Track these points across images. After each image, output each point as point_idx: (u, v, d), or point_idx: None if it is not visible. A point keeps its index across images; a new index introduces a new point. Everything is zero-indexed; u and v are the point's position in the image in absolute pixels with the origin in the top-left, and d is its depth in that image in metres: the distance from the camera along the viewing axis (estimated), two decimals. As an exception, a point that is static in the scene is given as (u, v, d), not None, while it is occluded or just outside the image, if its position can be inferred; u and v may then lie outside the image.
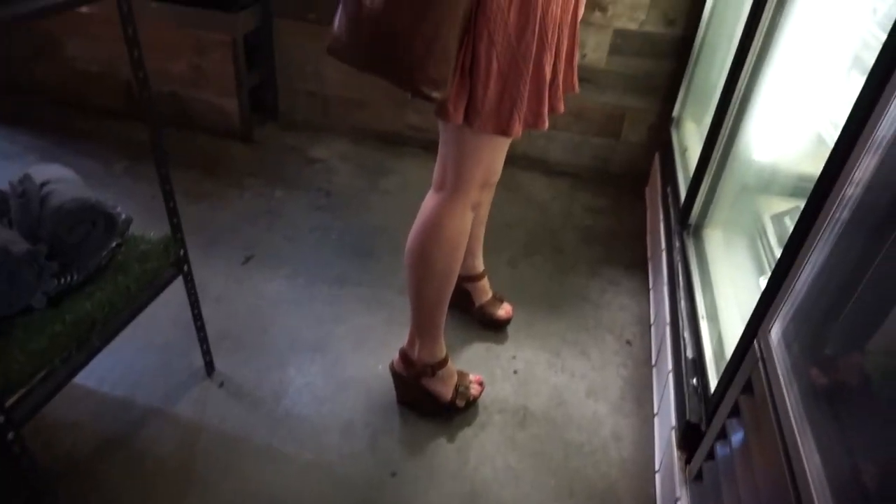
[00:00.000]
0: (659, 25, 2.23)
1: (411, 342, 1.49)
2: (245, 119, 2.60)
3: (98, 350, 1.17)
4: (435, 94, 1.07)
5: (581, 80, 2.15)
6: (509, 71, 1.12)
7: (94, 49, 2.60)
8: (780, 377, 0.93)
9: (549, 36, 1.15)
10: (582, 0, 1.31)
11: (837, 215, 0.92)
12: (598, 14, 2.24)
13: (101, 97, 2.71)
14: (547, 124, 1.22)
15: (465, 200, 1.29)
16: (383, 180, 2.44)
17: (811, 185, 0.96)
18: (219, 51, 2.45)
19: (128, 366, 1.57)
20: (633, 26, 2.25)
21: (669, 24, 2.23)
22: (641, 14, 2.22)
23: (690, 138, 2.12)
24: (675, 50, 2.26)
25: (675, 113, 2.33)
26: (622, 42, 2.28)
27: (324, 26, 2.49)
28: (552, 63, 1.20)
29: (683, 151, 2.06)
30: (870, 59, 1.27)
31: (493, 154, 1.26)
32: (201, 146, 2.57)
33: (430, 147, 2.65)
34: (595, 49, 2.31)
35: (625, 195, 2.47)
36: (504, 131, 1.16)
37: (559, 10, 1.18)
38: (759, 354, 1.00)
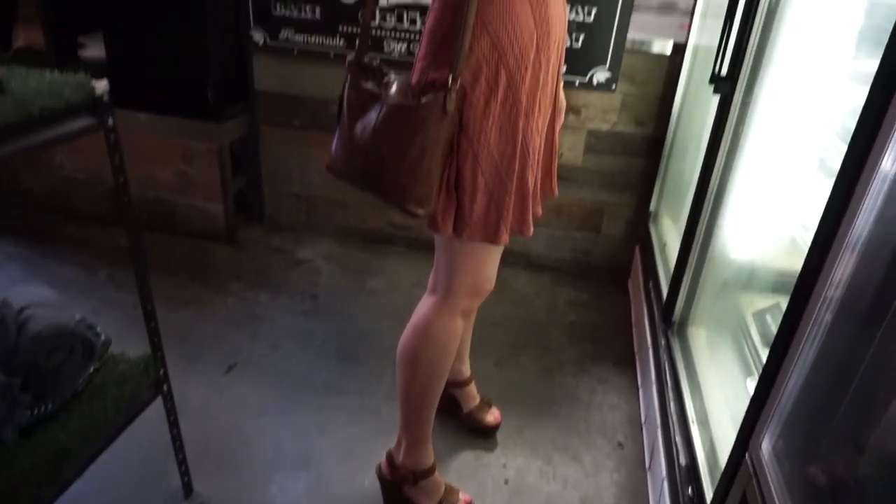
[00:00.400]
0: (630, 126, 2.33)
1: (398, 444, 1.46)
2: (230, 223, 2.63)
3: (70, 483, 1.12)
4: (420, 212, 1.14)
5: (559, 177, 2.21)
6: (494, 186, 1.17)
7: (82, 157, 2.66)
8: (774, 493, 0.91)
9: (531, 152, 1.21)
10: (560, 113, 1.38)
11: (821, 318, 0.92)
12: (572, 117, 2.33)
13: (88, 203, 2.73)
14: (532, 230, 1.26)
15: (454, 305, 1.32)
16: (369, 281, 2.45)
17: (790, 281, 0.97)
18: (205, 158, 2.51)
19: (100, 489, 1.50)
20: (605, 127, 2.35)
21: (640, 125, 2.33)
22: (613, 116, 2.32)
23: (668, 233, 2.17)
24: (647, 149, 2.35)
25: (651, 207, 2.39)
26: (596, 142, 2.37)
27: (308, 131, 2.57)
28: (535, 175, 1.26)
29: (662, 247, 2.10)
30: (834, 163, 1.33)
31: (483, 262, 1.29)
32: (187, 250, 2.58)
33: (413, 245, 2.68)
34: (571, 148, 2.39)
35: (607, 288, 2.49)
36: (492, 240, 1.22)
37: (541, 123, 1.25)
38: (751, 469, 0.98)
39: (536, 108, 1.22)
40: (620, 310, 2.35)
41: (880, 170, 0.84)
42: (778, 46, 1.44)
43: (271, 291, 2.34)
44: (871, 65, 1.34)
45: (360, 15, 1.17)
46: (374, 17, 2.23)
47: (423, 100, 1.10)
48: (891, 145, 0.83)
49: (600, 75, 2.21)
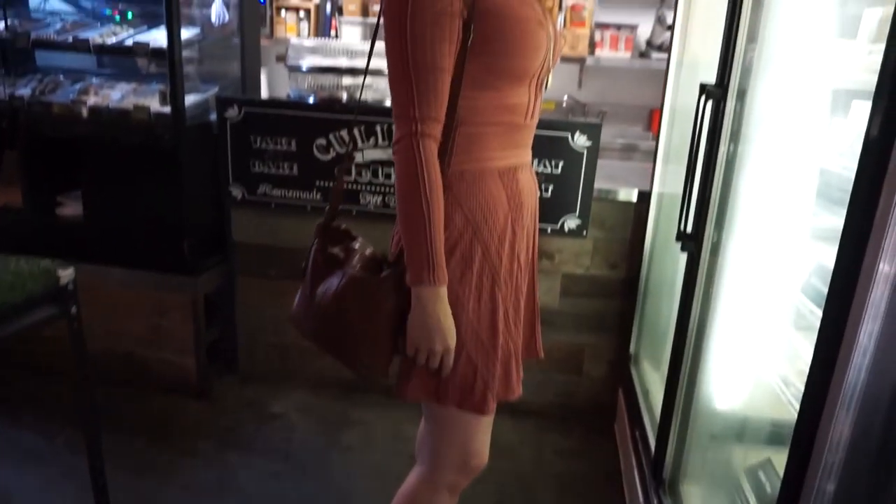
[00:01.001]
0: (603, 269, 2.37)
1: None
2: (202, 376, 2.55)
3: None
4: (370, 375, 1.18)
5: (537, 322, 2.21)
6: (478, 356, 1.16)
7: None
8: None
9: (512, 320, 1.20)
10: (537, 277, 1.39)
11: (823, 490, 0.87)
12: (546, 262, 2.37)
13: (49, 356, 2.64)
14: (518, 392, 1.23)
15: (439, 480, 1.27)
16: (346, 434, 2.35)
17: (781, 432, 0.93)
18: (179, 311, 2.47)
19: None
20: (579, 271, 2.38)
21: (613, 268, 2.36)
22: (586, 260, 2.36)
23: (651, 380, 2.14)
24: (622, 291, 2.37)
25: (631, 350, 2.37)
26: (571, 285, 2.39)
27: (284, 281, 2.56)
28: (518, 337, 1.25)
29: (646, 394, 2.06)
30: (805, 320, 1.33)
31: (471, 434, 1.25)
32: (156, 407, 2.47)
33: (392, 392, 2.60)
34: (547, 292, 2.40)
35: (593, 433, 2.41)
36: (478, 410, 1.19)
37: (523, 287, 1.26)
38: None
39: (514, 275, 1.23)
40: (608, 458, 2.25)
41: (861, 335, 0.83)
42: (740, 201, 1.50)
43: (241, 451, 2.21)
44: (832, 222, 1.39)
45: (336, 170, 1.22)
46: (348, 173, 2.31)
47: (382, 274, 1.15)
48: (870, 312, 0.83)
49: (571, 222, 2.27)
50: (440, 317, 1.09)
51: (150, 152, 2.23)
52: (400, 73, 1.05)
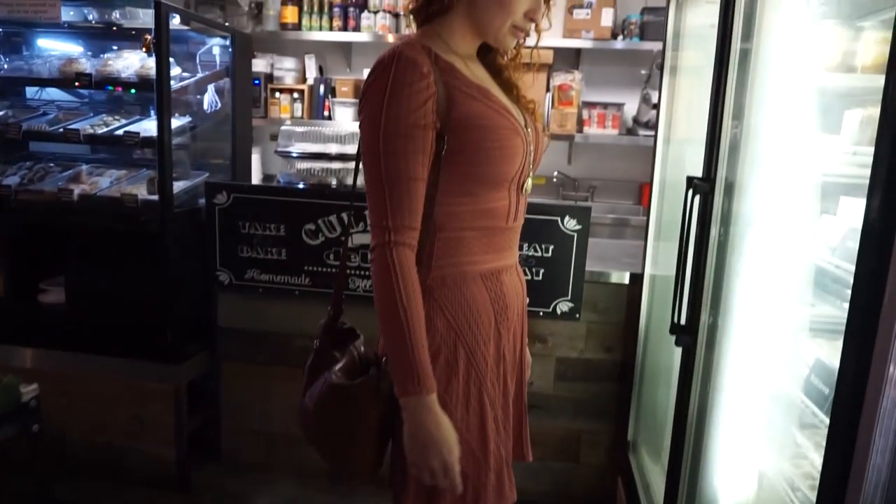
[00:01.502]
0: (598, 352, 2.32)
1: None
2: (183, 468, 2.44)
3: None
4: (357, 482, 1.15)
5: (531, 406, 2.13)
6: (468, 464, 1.12)
7: None
8: None
9: (501, 425, 1.16)
10: (527, 369, 1.34)
11: None
12: (539, 345, 2.32)
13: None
14: (514, 497, 1.19)
15: None
16: (332, 531, 2.22)
17: None
18: (161, 400, 2.39)
19: None
20: (573, 354, 2.33)
21: (608, 352, 2.31)
22: (580, 343, 2.32)
23: (651, 472, 2.05)
24: (618, 374, 2.31)
25: (630, 437, 2.29)
26: (565, 369, 2.34)
27: (272, 367, 2.49)
28: (508, 440, 1.21)
29: (646, 488, 1.97)
30: (805, 417, 1.28)
31: None
32: (133, 502, 2.35)
33: (383, 483, 2.49)
34: (541, 376, 2.34)
35: (594, 526, 2.30)
36: None
37: (512, 389, 1.21)
38: None
39: (501, 376, 1.19)
40: (610, 554, 2.13)
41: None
42: (735, 288, 1.47)
43: (222, 553, 2.09)
44: (830, 312, 1.36)
45: (337, 277, 1.23)
46: (345, 277, 2.29)
47: (358, 380, 1.13)
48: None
49: (563, 305, 2.24)
50: (432, 429, 1.04)
51: (136, 239, 2.21)
52: (375, 182, 1.05)
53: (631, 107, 4.10)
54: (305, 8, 4.18)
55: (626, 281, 2.27)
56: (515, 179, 1.15)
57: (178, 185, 2.25)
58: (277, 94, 4.35)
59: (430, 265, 1.09)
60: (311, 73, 4.34)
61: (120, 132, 2.19)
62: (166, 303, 2.29)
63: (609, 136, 4.07)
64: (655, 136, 2.39)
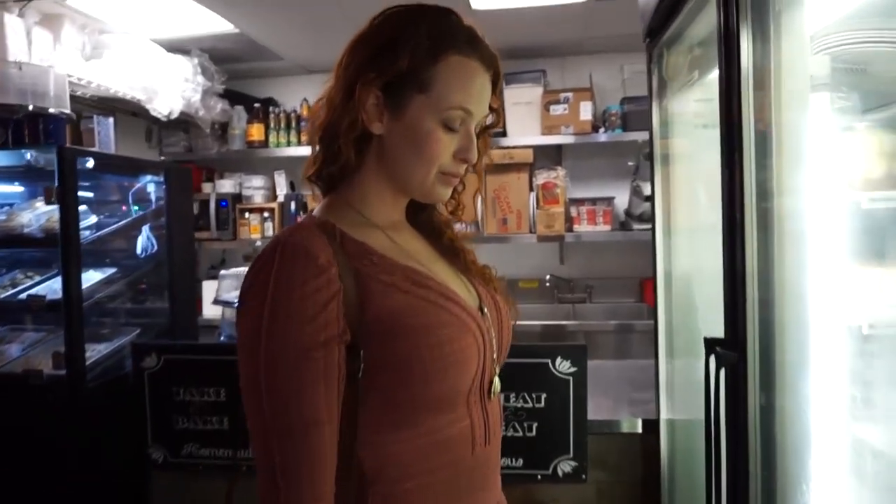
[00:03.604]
0: (615, 518, 1.89)
1: None
2: None
3: None
4: None
5: None
6: None
7: None
8: None
9: None
10: None
11: None
12: (541, 513, 1.89)
13: None
14: None
15: None
16: None
17: None
18: None
19: None
20: (585, 522, 1.89)
21: (627, 517, 1.88)
22: (591, 508, 1.89)
23: None
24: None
25: None
26: (577, 540, 1.89)
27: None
28: None
29: None
30: None
31: None
32: None
33: None
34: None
35: None
36: None
37: None
38: None
39: None
40: None
41: None
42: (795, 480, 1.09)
43: None
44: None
45: None
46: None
47: None
48: None
49: (565, 465, 1.83)
50: None
51: (42, 424, 1.83)
52: (258, 431, 0.71)
53: (621, 200, 3.85)
54: (272, 125, 4.01)
55: (639, 429, 1.88)
56: (475, 389, 0.80)
57: (97, 350, 1.91)
58: (247, 215, 4.11)
59: None
60: (282, 190, 4.13)
61: (24, 295, 1.86)
62: (84, 496, 1.88)
63: (601, 233, 3.79)
64: (654, 229, 2.08)
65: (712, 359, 1.03)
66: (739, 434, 1.05)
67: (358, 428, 0.75)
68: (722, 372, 1.00)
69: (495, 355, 0.84)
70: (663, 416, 1.86)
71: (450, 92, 0.78)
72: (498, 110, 0.85)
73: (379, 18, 0.81)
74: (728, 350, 0.99)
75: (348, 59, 0.81)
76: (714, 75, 1.11)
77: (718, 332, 1.08)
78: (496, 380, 0.84)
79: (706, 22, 1.29)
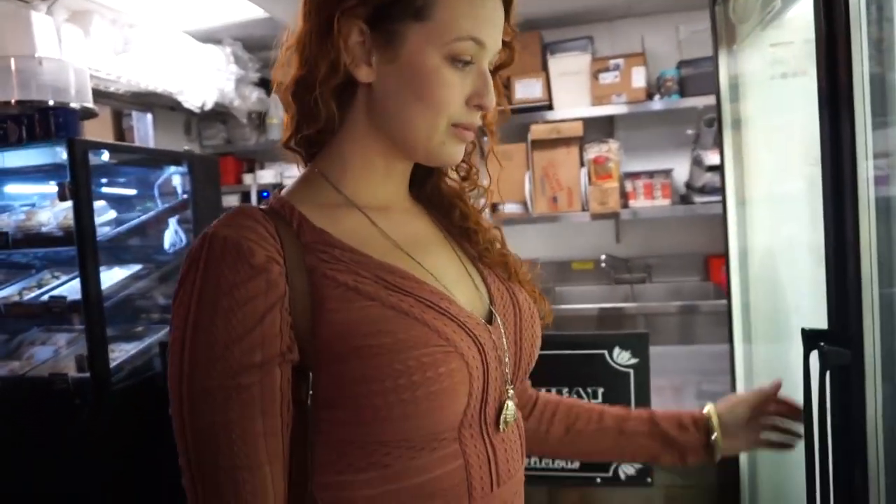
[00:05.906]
0: (687, 526, 1.68)
1: None
2: None
3: None
4: None
5: None
6: None
7: None
8: None
9: None
10: None
11: None
12: (602, 521, 1.71)
13: None
14: None
15: None
16: None
17: None
18: None
19: None
20: (652, 531, 1.70)
21: (701, 526, 1.68)
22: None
23: None
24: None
25: None
26: (645, 551, 1.70)
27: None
28: None
29: None
30: None
31: None
32: None
33: None
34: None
35: None
36: None
37: None
38: None
39: None
40: None
41: None
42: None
43: None
44: None
45: None
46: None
47: None
48: None
49: (628, 467, 1.64)
50: None
51: (70, 429, 1.75)
52: (186, 474, 0.56)
53: (680, 172, 3.58)
54: (311, 111, 3.91)
55: (713, 427, 1.66)
56: (471, 421, 0.63)
57: (125, 350, 1.82)
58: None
59: None
60: (323, 178, 4.04)
61: (45, 297, 1.78)
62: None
63: (660, 208, 3.54)
64: (724, 201, 1.84)
65: (814, 356, 0.81)
66: (856, 447, 0.84)
67: (314, 466, 0.58)
68: (827, 374, 0.78)
69: (509, 373, 0.65)
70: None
71: (455, 16, 0.59)
72: (511, 44, 0.66)
73: None
74: (836, 346, 0.78)
75: None
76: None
77: (814, 319, 0.87)
78: (509, 404, 0.65)
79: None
